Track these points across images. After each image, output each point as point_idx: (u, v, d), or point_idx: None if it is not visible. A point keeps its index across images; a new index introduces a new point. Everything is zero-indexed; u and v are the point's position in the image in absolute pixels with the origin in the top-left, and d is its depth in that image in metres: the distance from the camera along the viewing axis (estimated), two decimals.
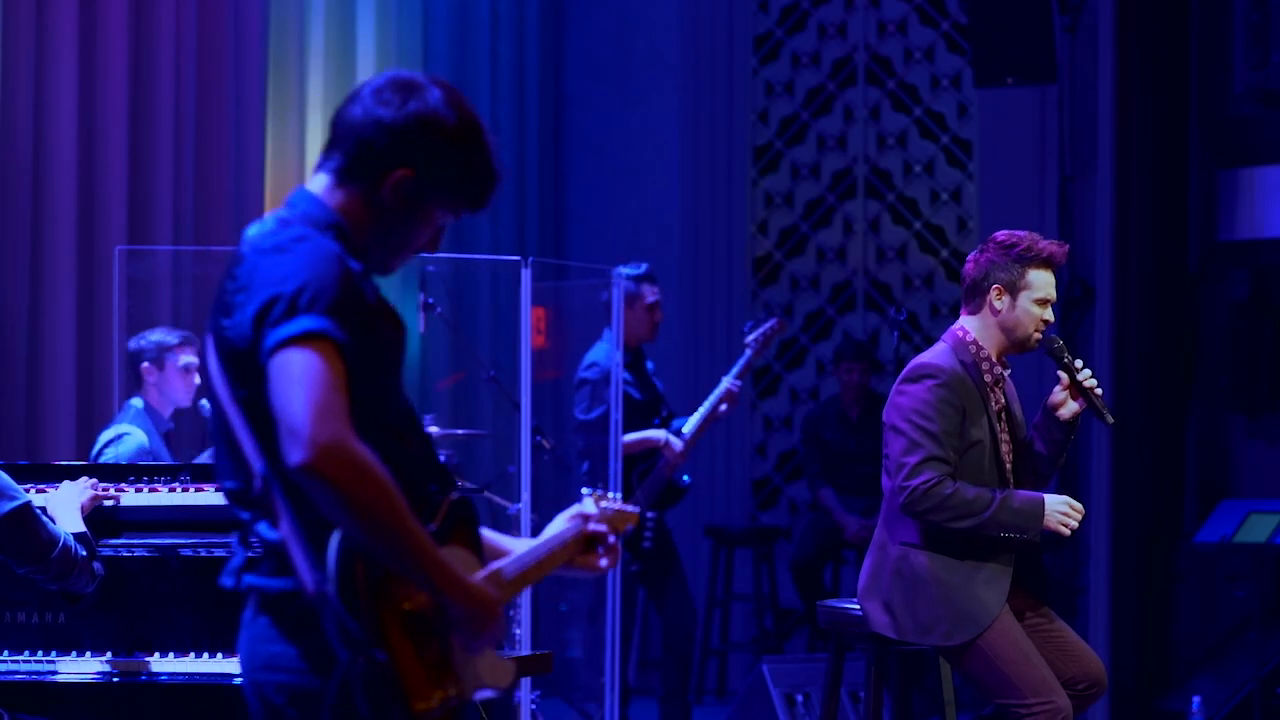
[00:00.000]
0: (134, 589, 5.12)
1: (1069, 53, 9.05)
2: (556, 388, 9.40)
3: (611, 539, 3.24)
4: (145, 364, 6.67)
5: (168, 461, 6.39)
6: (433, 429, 7.14)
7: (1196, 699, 7.84)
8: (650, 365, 8.01)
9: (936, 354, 5.18)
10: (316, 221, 2.98)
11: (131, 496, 5.15)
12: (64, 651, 5.11)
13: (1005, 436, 5.23)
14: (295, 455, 2.75)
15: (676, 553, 7.89)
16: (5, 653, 5.10)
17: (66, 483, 5.05)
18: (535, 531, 6.41)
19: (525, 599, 6.95)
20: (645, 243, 10.10)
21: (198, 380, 6.73)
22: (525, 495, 7.02)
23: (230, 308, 2.94)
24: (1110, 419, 5.24)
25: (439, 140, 3.00)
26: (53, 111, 7.41)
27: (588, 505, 3.25)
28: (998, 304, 5.17)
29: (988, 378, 5.18)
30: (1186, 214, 8.88)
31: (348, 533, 2.79)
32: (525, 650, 6.64)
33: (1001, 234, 5.22)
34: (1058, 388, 5.21)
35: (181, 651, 5.12)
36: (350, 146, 3.01)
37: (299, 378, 2.78)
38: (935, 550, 5.09)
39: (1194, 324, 8.90)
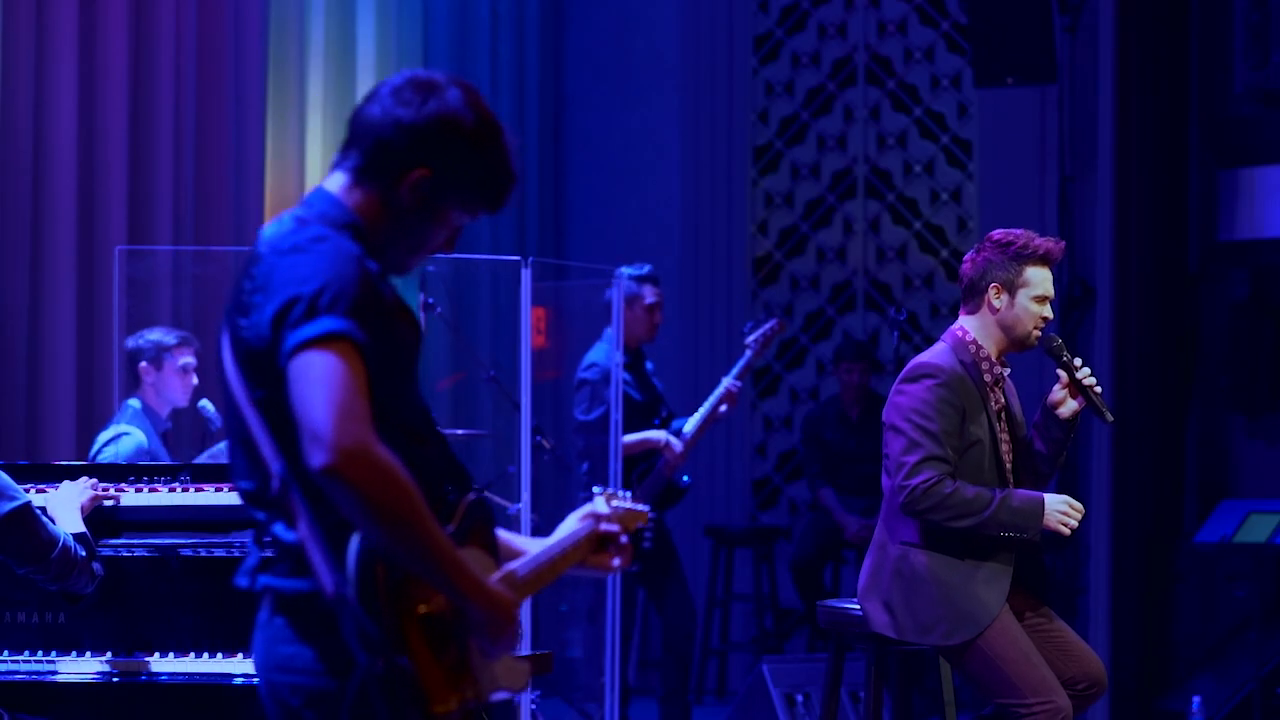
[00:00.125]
0: (134, 589, 5.12)
1: (1069, 53, 9.06)
2: (556, 388, 9.40)
3: (624, 538, 3.23)
4: (143, 364, 6.67)
5: (166, 461, 6.39)
6: None
7: (1196, 699, 7.84)
8: (650, 365, 8.01)
9: (936, 354, 5.18)
10: (334, 221, 2.97)
11: (131, 496, 5.15)
12: (64, 651, 5.11)
13: (1005, 436, 5.23)
14: (318, 458, 2.74)
15: (676, 553, 7.89)
16: (5, 653, 5.10)
17: (66, 483, 5.05)
18: (535, 531, 6.42)
19: (526, 599, 6.95)
20: (645, 243, 10.11)
21: (195, 380, 6.73)
22: (525, 495, 7.02)
23: (247, 308, 2.91)
24: (1110, 417, 5.24)
25: (457, 141, 2.98)
26: (53, 111, 7.42)
27: (599, 504, 3.24)
28: (996, 302, 5.17)
29: (987, 377, 5.18)
30: (1186, 214, 8.88)
31: (369, 536, 2.78)
32: (525, 650, 6.64)
33: (998, 233, 5.22)
34: (1057, 386, 5.21)
35: (181, 651, 5.12)
36: (368, 146, 2.99)
37: (321, 380, 2.77)
38: (935, 550, 5.09)
39: (1194, 324, 8.90)
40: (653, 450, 7.71)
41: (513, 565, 3.04)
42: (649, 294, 7.77)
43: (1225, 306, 8.77)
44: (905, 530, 5.12)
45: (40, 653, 5.10)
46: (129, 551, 5.11)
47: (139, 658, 5.10)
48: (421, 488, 2.81)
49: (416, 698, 2.80)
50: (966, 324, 5.23)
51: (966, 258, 5.26)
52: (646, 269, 7.84)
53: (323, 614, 2.85)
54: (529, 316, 7.09)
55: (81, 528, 4.84)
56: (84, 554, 4.74)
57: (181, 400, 6.73)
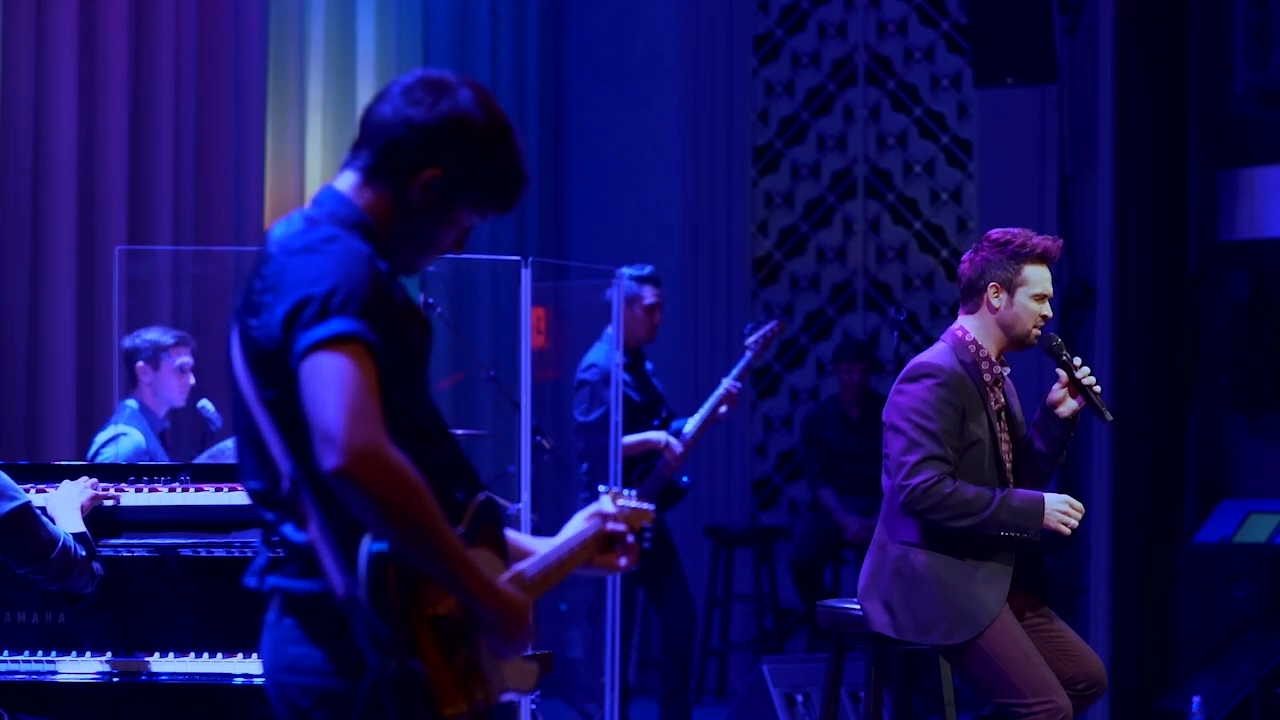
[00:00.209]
0: (134, 589, 5.12)
1: (1069, 53, 9.06)
2: (556, 388, 9.40)
3: (630, 538, 3.23)
4: (140, 363, 6.66)
5: (164, 461, 6.39)
6: None
7: (1196, 699, 7.84)
8: (650, 366, 8.01)
9: (936, 353, 5.18)
10: (344, 220, 2.96)
11: (131, 496, 5.15)
12: (64, 651, 5.11)
13: (1005, 436, 5.23)
14: (330, 460, 2.73)
15: (676, 553, 7.89)
16: (5, 653, 5.10)
17: (66, 482, 5.05)
18: (535, 531, 6.42)
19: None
20: (645, 243, 10.11)
21: (192, 380, 6.72)
22: (525, 495, 7.02)
23: (258, 307, 2.90)
24: (1109, 416, 5.24)
25: (469, 141, 2.97)
26: (53, 111, 7.42)
27: (605, 504, 3.23)
28: (995, 301, 5.17)
29: (987, 377, 5.18)
30: (1186, 214, 8.88)
31: (381, 537, 2.78)
32: (525, 650, 6.64)
33: (995, 232, 5.22)
34: (1056, 385, 5.21)
35: (181, 651, 5.12)
36: (379, 145, 2.98)
37: (333, 382, 2.76)
38: (935, 549, 5.09)
39: (1194, 324, 8.89)
40: (653, 451, 7.71)
41: (521, 566, 3.04)
42: (649, 294, 7.77)
43: (1225, 306, 8.77)
44: (905, 530, 5.12)
45: (40, 653, 5.10)
46: (129, 551, 5.10)
47: (139, 658, 5.10)
48: (432, 488, 2.80)
49: (427, 700, 2.80)
50: (966, 324, 5.23)
51: (965, 258, 5.26)
52: (647, 269, 7.84)
53: (332, 615, 2.84)
54: (529, 316, 7.09)
55: (81, 527, 4.84)
56: (84, 554, 4.74)
57: (179, 400, 6.72)
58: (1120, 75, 8.57)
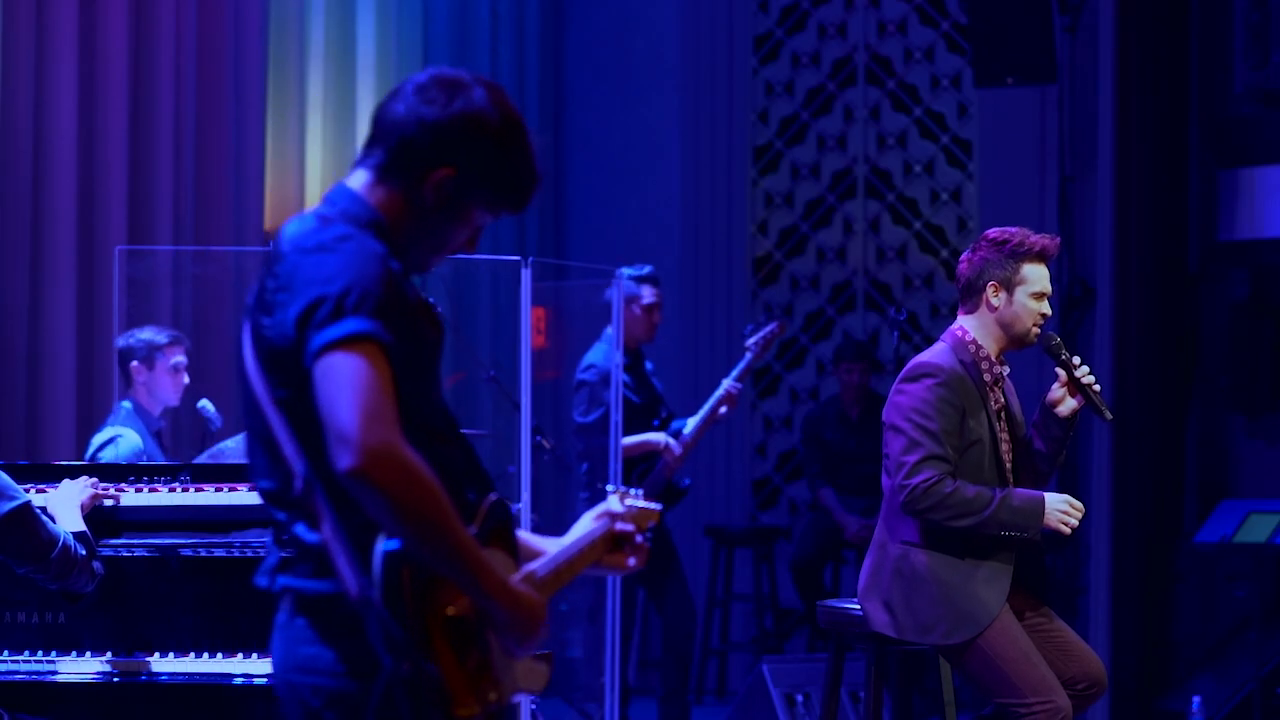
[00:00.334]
0: (134, 589, 5.12)
1: (1069, 53, 9.05)
2: (556, 388, 9.40)
3: (638, 538, 3.22)
4: (135, 363, 6.65)
5: (161, 461, 6.38)
6: None
7: (1196, 699, 7.84)
8: (649, 366, 8.01)
9: (936, 353, 5.18)
10: (357, 219, 2.95)
11: (131, 496, 5.15)
12: (64, 651, 5.11)
13: (1005, 435, 5.23)
14: (344, 460, 2.72)
15: (676, 553, 7.89)
16: (5, 653, 5.10)
17: (66, 482, 5.05)
18: (535, 531, 6.43)
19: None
20: (645, 243, 10.11)
21: (187, 380, 6.71)
22: (525, 495, 7.02)
23: (270, 306, 2.88)
24: (1109, 415, 5.24)
25: (483, 140, 2.97)
26: (53, 111, 7.42)
27: (613, 503, 3.23)
28: (994, 300, 5.17)
29: (987, 377, 5.18)
30: (1186, 214, 8.88)
31: (396, 537, 2.77)
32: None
33: (993, 231, 5.22)
34: (1056, 385, 5.21)
35: (181, 651, 5.12)
36: (393, 144, 2.97)
37: (347, 382, 2.75)
38: (935, 549, 5.09)
39: (1194, 324, 8.89)
40: (652, 452, 7.71)
41: (532, 566, 3.03)
42: (648, 294, 7.77)
43: (1225, 306, 8.77)
44: (905, 530, 5.12)
45: (40, 653, 5.10)
46: (129, 551, 5.10)
47: (139, 658, 5.10)
48: (445, 488, 2.79)
49: (441, 700, 2.79)
50: (965, 323, 5.23)
51: (963, 257, 5.26)
52: (646, 269, 7.84)
53: (345, 615, 2.84)
54: (529, 316, 7.09)
55: (82, 527, 4.84)
56: (84, 553, 4.74)
57: (173, 399, 6.71)
58: (1120, 75, 8.57)
